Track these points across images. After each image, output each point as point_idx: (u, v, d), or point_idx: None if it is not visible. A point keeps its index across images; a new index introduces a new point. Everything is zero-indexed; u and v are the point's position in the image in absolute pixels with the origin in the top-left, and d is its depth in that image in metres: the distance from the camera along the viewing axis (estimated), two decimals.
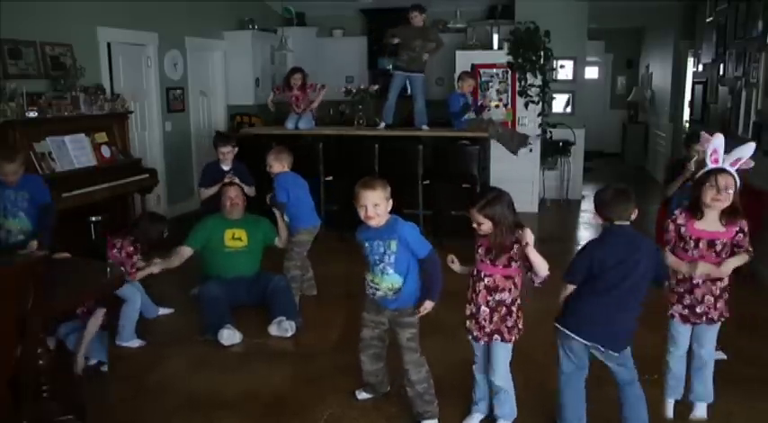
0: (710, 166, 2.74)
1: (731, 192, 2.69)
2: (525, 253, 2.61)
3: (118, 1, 6.20)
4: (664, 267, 2.70)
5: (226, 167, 4.98)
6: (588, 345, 2.65)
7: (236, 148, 5.04)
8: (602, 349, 2.63)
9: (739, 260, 2.77)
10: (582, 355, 2.72)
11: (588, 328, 2.63)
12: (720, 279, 2.80)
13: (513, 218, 2.66)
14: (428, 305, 2.88)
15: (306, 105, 6.57)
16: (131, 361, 3.72)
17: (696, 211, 2.77)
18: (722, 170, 2.71)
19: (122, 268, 3.85)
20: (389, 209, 2.83)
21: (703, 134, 3.35)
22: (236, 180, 4.64)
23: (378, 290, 2.88)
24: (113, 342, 3.80)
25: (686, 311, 2.86)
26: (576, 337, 2.64)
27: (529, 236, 2.61)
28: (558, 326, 2.69)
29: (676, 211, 2.88)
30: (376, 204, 2.76)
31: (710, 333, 2.91)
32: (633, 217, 2.60)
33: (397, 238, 2.79)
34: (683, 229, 2.80)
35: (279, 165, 4.35)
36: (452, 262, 2.88)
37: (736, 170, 2.73)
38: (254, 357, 3.75)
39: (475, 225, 2.68)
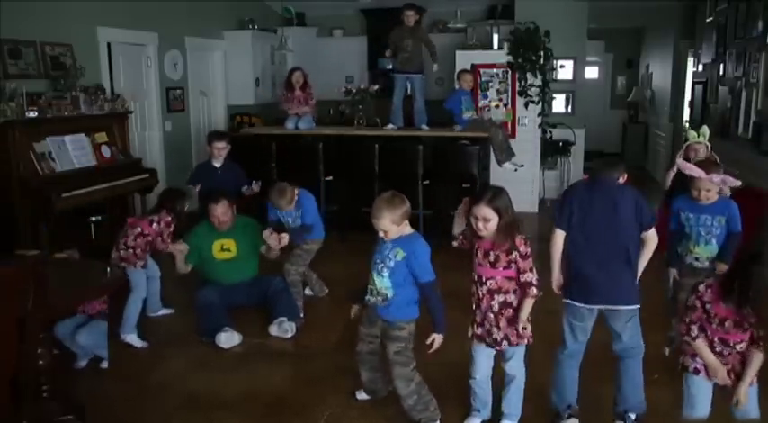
0: None
1: None
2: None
3: (118, 1, 6.20)
4: (648, 211, 2.65)
5: (217, 164, 4.97)
6: (596, 308, 2.67)
7: (230, 146, 5.03)
8: (611, 308, 2.66)
9: (757, 365, 2.44)
10: (587, 327, 2.75)
11: (590, 291, 2.67)
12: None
13: (514, 213, 2.67)
14: (437, 338, 2.81)
15: (301, 108, 6.60)
16: (132, 361, 3.73)
17: (731, 296, 2.32)
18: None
19: (160, 238, 3.98)
20: (402, 227, 2.78)
21: (679, 162, 3.31)
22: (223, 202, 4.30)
23: (372, 290, 2.85)
24: (116, 336, 3.81)
25: None
26: (584, 305, 2.67)
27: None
28: (567, 300, 2.71)
29: (701, 287, 2.44)
30: (385, 231, 2.75)
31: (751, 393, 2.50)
32: (621, 180, 2.69)
33: (407, 252, 2.76)
34: (708, 306, 2.41)
35: (295, 199, 4.23)
36: (465, 203, 2.76)
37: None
38: (254, 358, 3.75)
39: (480, 224, 2.61)
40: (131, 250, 3.92)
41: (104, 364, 3.61)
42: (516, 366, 2.83)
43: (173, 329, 4.21)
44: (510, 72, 7.35)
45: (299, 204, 4.24)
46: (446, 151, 6.12)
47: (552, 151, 7.90)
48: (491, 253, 2.66)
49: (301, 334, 4.05)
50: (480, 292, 2.72)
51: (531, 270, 2.65)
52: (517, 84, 7.34)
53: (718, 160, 3.91)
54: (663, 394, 3.06)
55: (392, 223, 2.73)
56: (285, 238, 4.13)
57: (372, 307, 2.91)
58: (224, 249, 4.21)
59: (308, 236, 4.32)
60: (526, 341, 2.77)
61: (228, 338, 3.87)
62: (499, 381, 2.93)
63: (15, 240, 4.49)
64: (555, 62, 7.83)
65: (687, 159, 4.08)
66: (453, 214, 2.84)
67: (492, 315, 2.71)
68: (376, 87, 7.20)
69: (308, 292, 4.65)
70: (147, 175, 5.75)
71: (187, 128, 7.54)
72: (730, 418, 2.52)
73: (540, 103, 7.40)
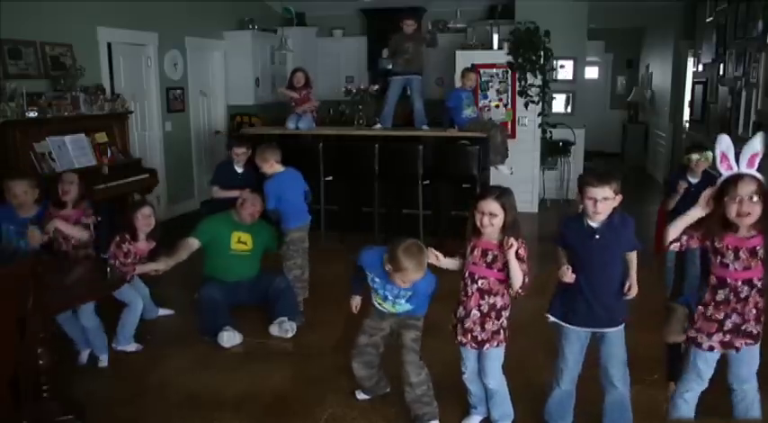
0: (724, 173, 2.33)
1: (756, 199, 2.25)
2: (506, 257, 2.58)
3: (118, 1, 6.20)
4: None
5: (239, 169, 4.98)
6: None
7: (250, 151, 4.94)
8: None
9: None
10: None
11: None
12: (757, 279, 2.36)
13: (517, 215, 2.66)
14: None
15: (302, 109, 6.60)
16: (131, 361, 3.73)
17: (727, 227, 2.33)
18: (740, 176, 2.28)
19: (118, 261, 3.74)
20: None
21: None
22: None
23: (387, 310, 2.95)
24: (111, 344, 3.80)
25: (728, 337, 2.44)
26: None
27: (513, 240, 2.57)
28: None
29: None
30: (413, 281, 2.76)
31: (753, 356, 2.48)
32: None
33: (413, 290, 2.83)
34: (717, 243, 2.38)
35: (267, 165, 4.26)
36: (437, 259, 2.76)
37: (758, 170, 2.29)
38: (254, 357, 3.76)
39: (486, 219, 2.58)
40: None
41: (103, 364, 3.60)
42: (495, 379, 2.80)
43: (173, 329, 4.21)
44: (510, 72, 7.35)
45: (264, 186, 4.25)
46: (446, 151, 6.12)
47: (552, 151, 7.90)
48: (489, 253, 2.66)
49: (301, 334, 4.05)
50: (470, 290, 2.70)
51: (524, 275, 2.63)
52: (517, 84, 7.34)
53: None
54: (662, 394, 3.06)
55: (422, 275, 2.75)
56: None
57: (388, 312, 2.97)
58: (241, 242, 4.24)
59: (285, 225, 4.30)
60: (503, 343, 2.76)
61: (230, 338, 3.87)
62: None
63: None
64: (555, 62, 7.83)
65: (690, 170, 4.13)
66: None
67: (478, 314, 2.70)
68: (376, 87, 7.22)
69: None
70: (147, 175, 5.75)
71: (187, 128, 7.54)
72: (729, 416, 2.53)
73: (540, 103, 7.40)
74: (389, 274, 2.74)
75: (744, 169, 2.30)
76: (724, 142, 2.34)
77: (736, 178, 2.28)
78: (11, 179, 3.54)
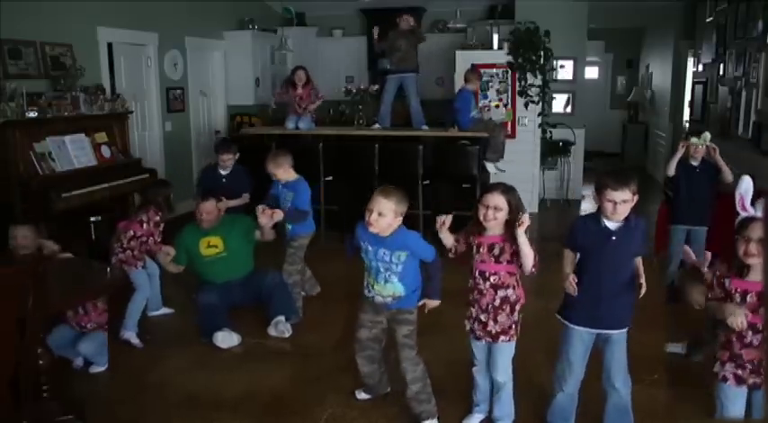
0: (741, 213, 2.41)
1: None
2: (516, 235, 2.58)
3: (118, 1, 6.20)
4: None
5: (224, 172, 4.95)
6: None
7: (238, 155, 5.01)
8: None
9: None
10: None
11: None
12: None
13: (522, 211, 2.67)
14: (435, 304, 2.95)
15: (306, 105, 6.59)
16: (131, 360, 3.73)
17: (740, 267, 2.38)
18: (752, 219, 2.36)
19: (151, 239, 4.01)
20: (397, 224, 2.80)
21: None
22: (227, 203, 4.42)
23: (378, 296, 2.89)
24: (115, 337, 3.83)
25: (741, 372, 2.41)
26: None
27: (526, 218, 2.59)
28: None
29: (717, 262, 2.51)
30: (381, 213, 2.73)
31: None
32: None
33: (407, 250, 2.80)
34: (726, 282, 2.41)
35: (281, 170, 4.16)
36: (443, 223, 2.76)
37: None
38: (253, 357, 3.76)
39: (491, 213, 2.61)
40: (129, 252, 3.93)
41: (98, 369, 3.58)
42: (504, 373, 2.83)
43: (172, 329, 4.22)
44: (510, 72, 7.35)
45: (293, 188, 4.20)
46: (446, 151, 6.12)
47: (552, 151, 7.90)
48: (496, 246, 2.68)
49: (301, 334, 4.05)
50: (483, 288, 2.72)
51: (534, 253, 2.62)
52: (517, 84, 7.34)
53: (718, 154, 4.04)
54: (662, 394, 3.06)
55: (397, 215, 2.75)
56: (278, 214, 4.04)
57: (379, 304, 2.92)
58: (210, 246, 4.17)
59: (299, 230, 4.26)
60: (515, 338, 2.77)
61: (225, 338, 3.87)
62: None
63: None
64: (555, 62, 7.83)
65: (690, 156, 4.16)
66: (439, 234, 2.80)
67: (493, 309, 2.73)
68: (376, 87, 7.23)
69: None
70: (147, 175, 5.75)
71: (187, 128, 7.54)
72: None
73: (540, 103, 7.40)
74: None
75: (758, 213, 2.36)
76: (744, 184, 2.42)
77: (748, 221, 2.36)
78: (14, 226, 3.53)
